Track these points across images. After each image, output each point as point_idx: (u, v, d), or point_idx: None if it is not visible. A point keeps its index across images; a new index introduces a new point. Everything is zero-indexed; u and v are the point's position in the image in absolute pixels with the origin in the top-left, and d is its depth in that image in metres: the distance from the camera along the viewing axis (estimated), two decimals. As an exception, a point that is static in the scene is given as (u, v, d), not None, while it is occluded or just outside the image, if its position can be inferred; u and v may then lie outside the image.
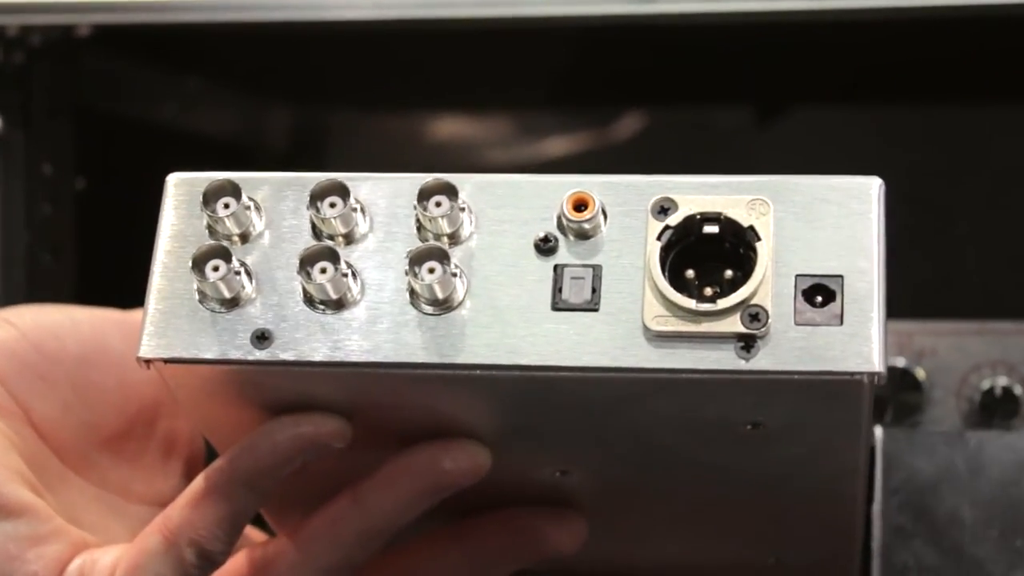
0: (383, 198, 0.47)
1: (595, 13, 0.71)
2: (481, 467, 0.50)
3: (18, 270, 0.75)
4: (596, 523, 0.54)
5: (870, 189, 0.46)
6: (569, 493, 0.53)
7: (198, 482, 0.49)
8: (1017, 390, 0.70)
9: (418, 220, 0.47)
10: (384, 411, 0.48)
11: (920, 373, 0.71)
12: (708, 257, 0.46)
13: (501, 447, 0.49)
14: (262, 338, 0.46)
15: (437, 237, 0.47)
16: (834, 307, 0.44)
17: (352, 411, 0.48)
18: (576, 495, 0.53)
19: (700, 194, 0.46)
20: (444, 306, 0.46)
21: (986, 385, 0.70)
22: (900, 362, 0.71)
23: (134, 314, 0.51)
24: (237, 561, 0.51)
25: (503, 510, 0.53)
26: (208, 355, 0.46)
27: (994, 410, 0.70)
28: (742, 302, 0.44)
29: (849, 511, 0.54)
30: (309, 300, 0.46)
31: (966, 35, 0.75)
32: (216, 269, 0.46)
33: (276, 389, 0.47)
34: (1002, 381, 0.70)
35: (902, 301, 0.73)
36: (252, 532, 0.56)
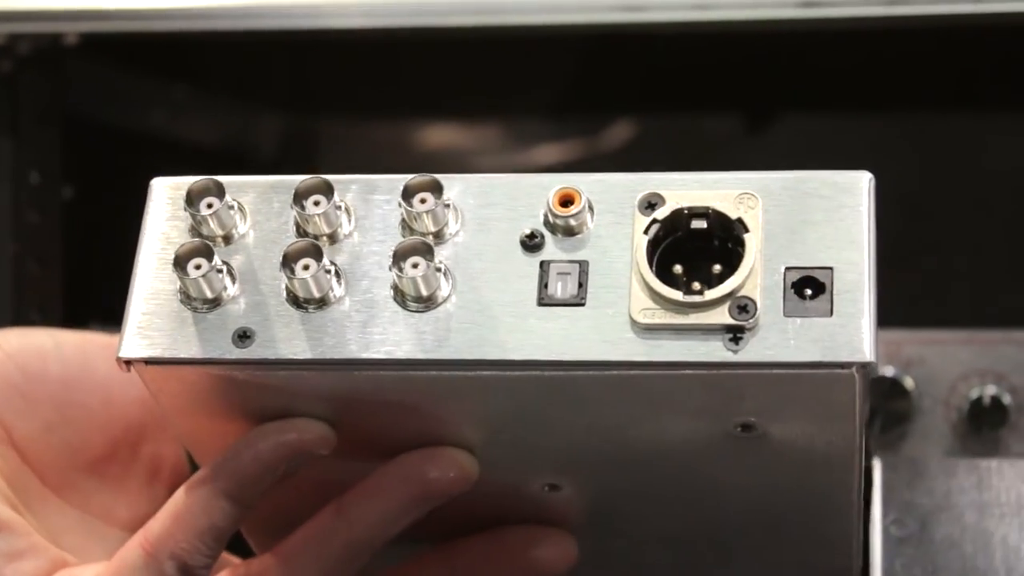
0: (368, 197, 0.47)
1: (586, 22, 0.71)
2: (469, 476, 0.49)
3: (5, 278, 0.75)
4: (586, 543, 0.53)
5: (860, 183, 0.46)
6: (558, 510, 0.52)
7: (180, 494, 0.48)
8: (1006, 399, 0.70)
9: (403, 218, 0.47)
10: (369, 417, 0.48)
11: (909, 382, 0.71)
12: (696, 253, 0.45)
13: (489, 457, 0.49)
14: (244, 336, 0.46)
15: (423, 234, 0.46)
16: (823, 299, 0.44)
17: (337, 417, 0.48)
18: (565, 513, 0.52)
19: (688, 189, 0.46)
20: (429, 303, 0.46)
21: (975, 394, 0.70)
22: (889, 371, 0.71)
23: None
24: None
25: (491, 530, 0.53)
26: (189, 354, 0.46)
27: (982, 419, 0.70)
28: (730, 293, 0.44)
29: (846, 530, 0.53)
30: (293, 298, 0.46)
31: (955, 43, 0.75)
32: (198, 267, 0.46)
33: (259, 394, 0.47)
34: (991, 390, 0.70)
35: (891, 310, 0.73)
36: (228, 556, 0.56)
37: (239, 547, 0.54)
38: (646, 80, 0.83)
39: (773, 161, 0.81)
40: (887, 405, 0.71)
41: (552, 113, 0.84)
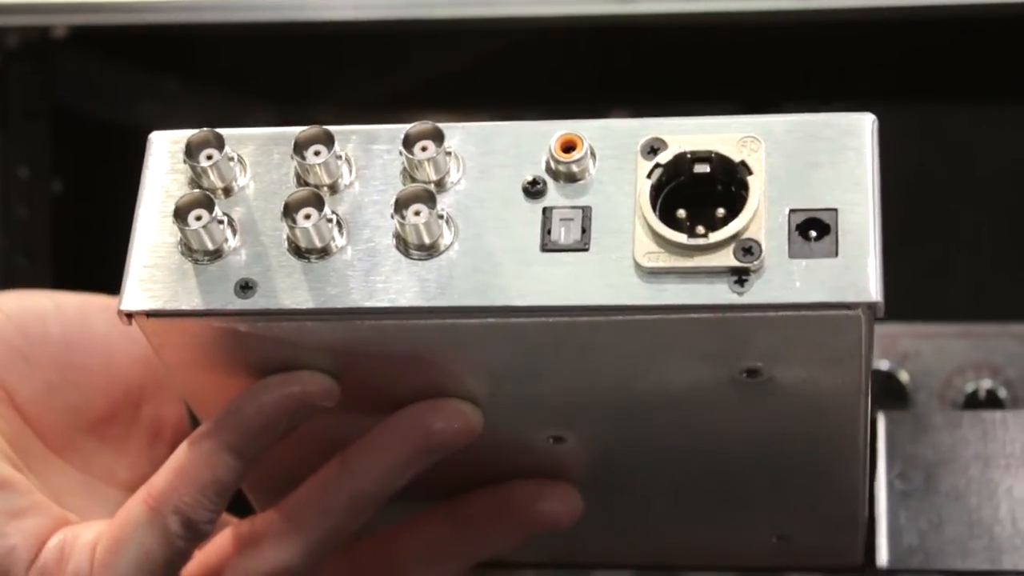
0: (369, 147, 0.47)
1: (579, 13, 0.71)
2: (473, 427, 0.49)
3: (-7, 273, 0.74)
4: (589, 496, 0.53)
5: (863, 124, 0.46)
6: (563, 463, 0.52)
7: (183, 448, 0.48)
8: (1001, 393, 0.70)
9: (404, 167, 0.46)
10: (372, 369, 0.47)
11: (904, 376, 0.71)
12: (700, 198, 0.45)
13: (493, 408, 0.49)
14: (246, 287, 0.45)
15: (425, 183, 0.46)
16: (828, 240, 0.44)
17: (340, 370, 0.47)
18: (570, 465, 0.52)
19: (690, 134, 0.45)
20: (431, 250, 0.45)
21: (970, 388, 0.70)
22: (884, 365, 0.71)
23: None
24: (223, 535, 0.50)
25: (495, 484, 0.52)
26: (190, 306, 0.45)
27: (978, 413, 0.70)
28: (735, 235, 0.44)
29: (852, 479, 0.52)
30: (294, 248, 0.46)
31: (954, 34, 0.75)
32: (199, 218, 0.45)
33: (261, 345, 0.46)
34: (986, 384, 0.70)
35: (886, 303, 0.73)
36: (227, 517, 0.55)
37: (240, 509, 0.54)
38: (640, 72, 0.82)
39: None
40: (882, 399, 0.70)
41: (545, 104, 0.84)
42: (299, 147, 0.46)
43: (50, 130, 0.77)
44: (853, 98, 0.81)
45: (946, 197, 0.80)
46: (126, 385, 0.55)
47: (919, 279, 0.79)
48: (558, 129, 0.46)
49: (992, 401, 0.70)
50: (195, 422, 0.52)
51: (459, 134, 0.46)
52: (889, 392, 0.70)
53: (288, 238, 0.46)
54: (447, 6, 0.72)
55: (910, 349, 0.71)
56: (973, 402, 0.70)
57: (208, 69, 0.83)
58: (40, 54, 0.76)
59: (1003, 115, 0.80)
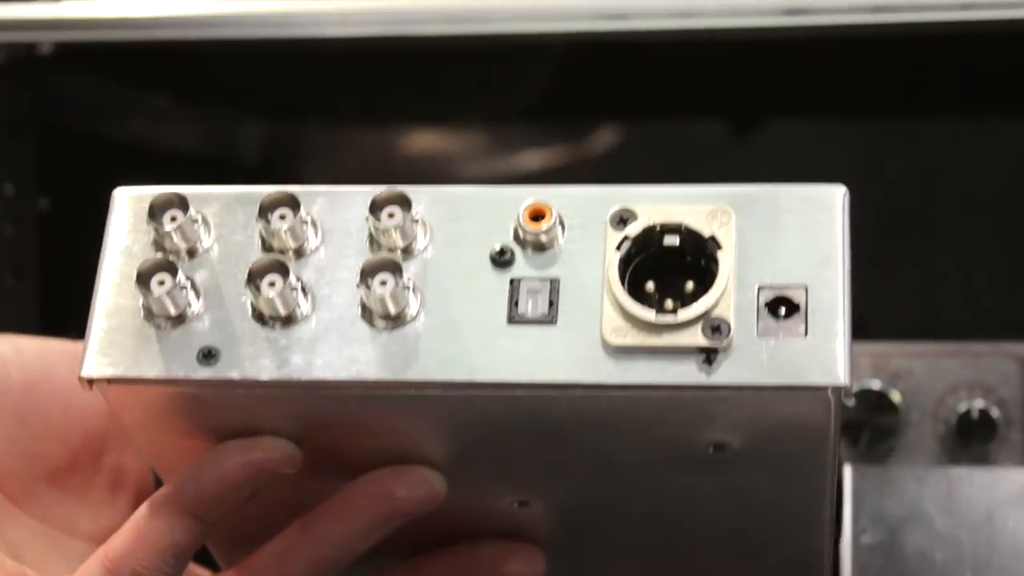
0: (335, 211, 0.46)
1: (570, 30, 0.71)
2: (436, 495, 0.48)
3: (-20, 291, 0.74)
4: (556, 559, 0.52)
5: (834, 198, 0.45)
6: (528, 526, 0.51)
7: (142, 511, 0.47)
8: (994, 412, 0.70)
9: (371, 233, 0.46)
10: (336, 435, 0.47)
11: (896, 396, 0.70)
12: (669, 270, 0.44)
13: (457, 474, 0.48)
14: (208, 356, 0.45)
15: (391, 250, 0.45)
16: (798, 319, 0.43)
17: (303, 435, 0.47)
18: (535, 528, 0.51)
19: (660, 204, 0.45)
20: (397, 321, 0.45)
21: (963, 408, 0.70)
22: (876, 384, 0.70)
23: (81, 345, 0.50)
24: None
25: (460, 545, 0.52)
26: (152, 374, 0.45)
27: (971, 433, 0.69)
28: (703, 314, 0.43)
29: (817, 544, 0.52)
30: (258, 316, 0.45)
31: (945, 49, 0.75)
32: (162, 283, 0.45)
33: (224, 411, 0.46)
34: (979, 404, 0.70)
35: (878, 322, 0.72)
36: (197, 570, 0.55)
37: (207, 557, 0.53)
38: (630, 87, 0.82)
39: (758, 167, 0.81)
40: (874, 418, 0.70)
41: (537, 120, 0.84)
42: (264, 211, 0.46)
43: (37, 147, 0.77)
44: (841, 114, 0.81)
45: (939, 213, 0.80)
46: (86, 433, 0.54)
47: (911, 297, 0.79)
48: (527, 196, 0.45)
49: (985, 421, 0.69)
50: (158, 478, 0.52)
51: (426, 199, 0.46)
52: (881, 412, 0.70)
53: (252, 304, 0.45)
54: (439, 23, 0.71)
55: (902, 368, 0.70)
56: (966, 422, 0.69)
57: (196, 85, 0.82)
58: (26, 71, 0.76)
59: (997, 130, 0.80)
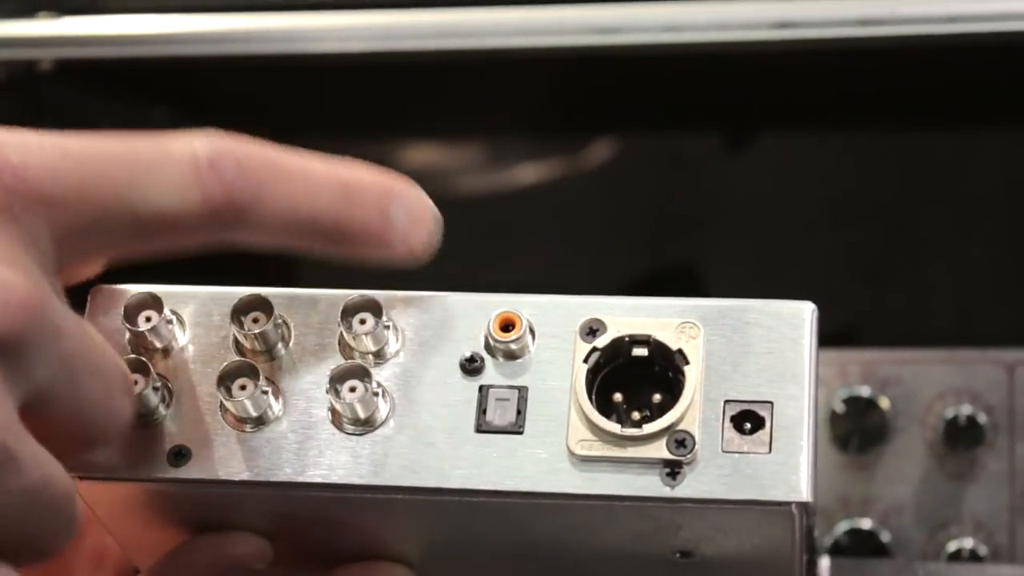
0: (307, 314, 0.47)
1: (563, 45, 0.72)
2: None
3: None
4: None
5: (802, 313, 0.45)
6: None
7: None
8: (981, 419, 0.70)
9: (341, 337, 0.46)
10: (307, 531, 0.48)
11: (884, 402, 0.71)
12: (637, 380, 0.45)
13: (427, 569, 0.49)
14: (179, 455, 0.45)
15: (362, 355, 0.46)
16: (763, 434, 0.44)
17: (274, 530, 0.47)
18: None
19: (630, 316, 0.45)
20: (366, 425, 0.45)
21: (950, 414, 0.70)
22: (865, 391, 0.71)
23: None
24: None
25: None
26: (124, 473, 0.45)
27: (958, 439, 0.70)
28: (669, 427, 0.44)
29: None
30: (229, 417, 0.46)
31: (938, 61, 0.75)
32: (135, 383, 0.45)
33: (195, 508, 0.47)
34: (966, 410, 0.70)
35: (867, 329, 0.73)
36: None
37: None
38: (624, 100, 0.83)
39: (753, 180, 0.81)
40: (863, 425, 0.71)
41: (534, 134, 0.84)
42: (237, 313, 0.46)
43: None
44: (831, 125, 0.82)
45: (929, 224, 0.80)
46: None
47: (900, 305, 0.79)
48: (498, 305, 0.46)
49: (972, 427, 0.70)
50: None
51: (399, 305, 0.46)
52: (870, 418, 0.71)
53: (223, 406, 0.46)
54: (435, 38, 0.72)
55: (890, 375, 0.71)
56: (954, 428, 0.70)
57: (195, 101, 0.83)
58: (26, 88, 0.76)
59: (987, 139, 0.80)
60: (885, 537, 0.70)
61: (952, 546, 0.69)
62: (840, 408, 0.71)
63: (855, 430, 0.71)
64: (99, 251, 0.44)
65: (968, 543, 0.69)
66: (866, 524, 0.70)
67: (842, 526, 0.70)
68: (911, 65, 0.76)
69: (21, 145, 0.41)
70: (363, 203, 0.44)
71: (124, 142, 0.42)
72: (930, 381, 0.70)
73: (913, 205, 0.80)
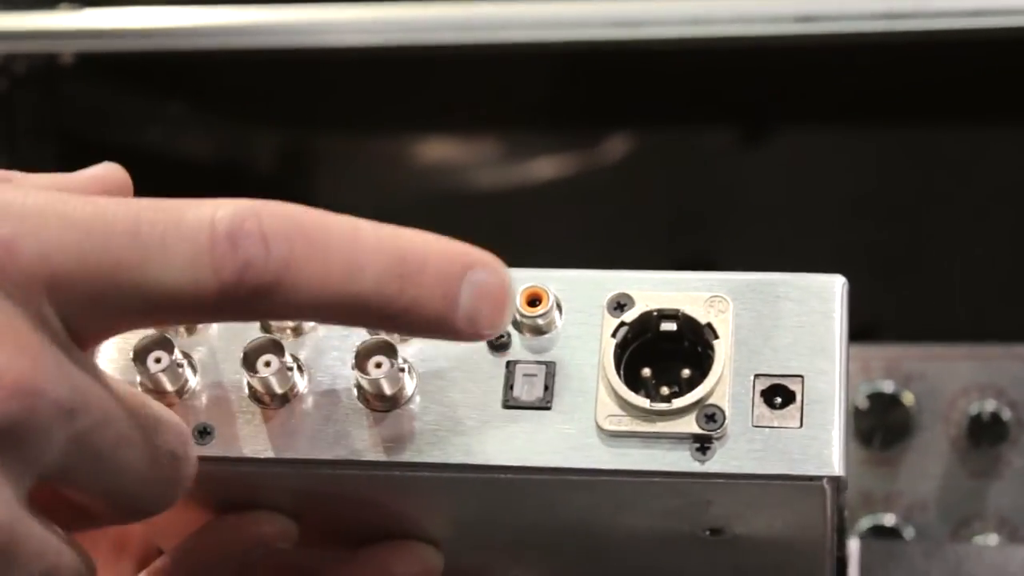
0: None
1: (582, 38, 0.71)
2: (433, 570, 0.48)
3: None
4: None
5: (833, 287, 0.45)
6: None
7: None
8: (1005, 414, 0.70)
9: None
10: (332, 510, 0.47)
11: (908, 397, 0.71)
12: (666, 355, 0.44)
13: (454, 549, 0.48)
14: (204, 433, 0.45)
15: None
16: (793, 408, 0.43)
17: (299, 510, 0.47)
18: None
19: (658, 290, 0.45)
20: (392, 402, 0.45)
21: (974, 410, 0.70)
22: (888, 387, 0.71)
23: None
24: None
25: None
26: None
27: (982, 435, 0.70)
28: (698, 402, 0.43)
29: None
30: (254, 394, 0.45)
31: (953, 57, 0.75)
32: (158, 361, 0.45)
33: (220, 486, 0.46)
34: (990, 406, 0.70)
35: (890, 325, 0.73)
36: None
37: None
38: (642, 95, 0.83)
39: (769, 176, 0.81)
40: (886, 421, 0.71)
41: (548, 128, 0.84)
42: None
43: (57, 155, 0.77)
44: (853, 120, 0.82)
45: (951, 218, 0.80)
46: None
47: (924, 300, 0.79)
48: (525, 280, 0.45)
49: (996, 423, 0.70)
50: None
51: None
52: (893, 414, 0.71)
53: (248, 383, 0.45)
54: (452, 31, 0.72)
55: (914, 371, 0.71)
56: (977, 424, 0.70)
57: (214, 93, 0.83)
58: (47, 80, 0.76)
59: (1009, 134, 0.80)
60: (908, 533, 0.70)
61: (976, 542, 0.69)
62: (863, 404, 0.71)
63: (878, 426, 0.70)
64: (116, 325, 0.40)
65: (992, 539, 0.69)
66: (889, 520, 0.70)
67: (865, 522, 0.70)
68: (933, 60, 0.76)
69: (18, 212, 0.37)
70: (422, 283, 0.39)
71: (135, 209, 0.38)
72: (954, 377, 0.70)
73: (934, 200, 0.80)
